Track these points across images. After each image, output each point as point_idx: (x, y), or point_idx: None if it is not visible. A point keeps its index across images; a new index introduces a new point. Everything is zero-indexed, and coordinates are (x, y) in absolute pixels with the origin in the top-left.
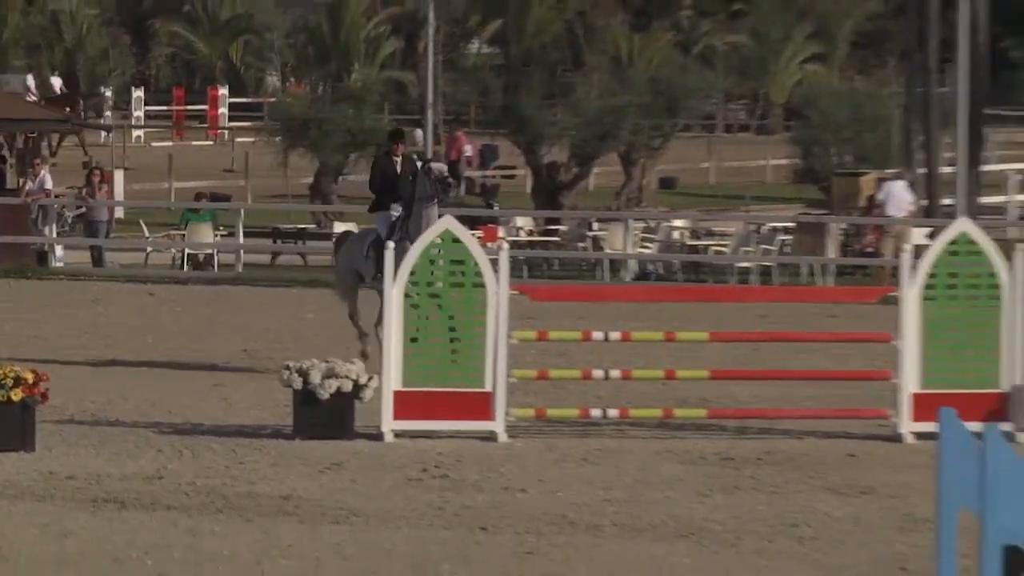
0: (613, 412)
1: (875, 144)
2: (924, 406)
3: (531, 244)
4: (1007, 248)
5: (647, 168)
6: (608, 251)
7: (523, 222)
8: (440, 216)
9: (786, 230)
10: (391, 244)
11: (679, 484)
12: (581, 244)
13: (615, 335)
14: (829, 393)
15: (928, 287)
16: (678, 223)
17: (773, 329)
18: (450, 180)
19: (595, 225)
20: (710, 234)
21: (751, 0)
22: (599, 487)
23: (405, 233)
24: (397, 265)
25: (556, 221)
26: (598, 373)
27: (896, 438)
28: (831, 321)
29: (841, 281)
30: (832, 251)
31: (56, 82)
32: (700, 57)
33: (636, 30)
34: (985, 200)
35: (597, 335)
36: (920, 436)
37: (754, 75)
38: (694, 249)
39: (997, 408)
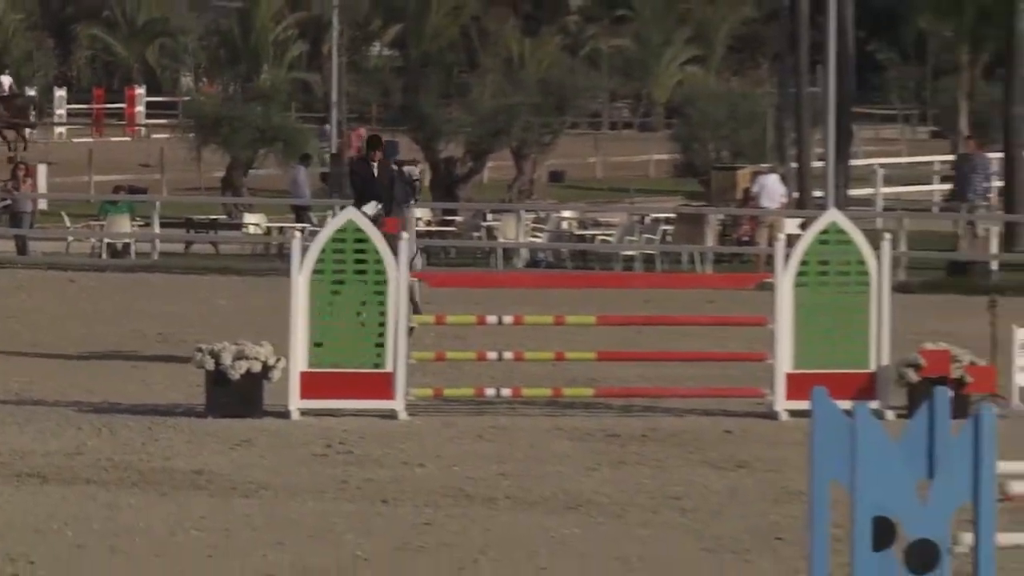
0: (506, 391)
1: (750, 140)
2: (797, 385)
3: (429, 234)
4: (874, 237)
5: (537, 163)
6: (501, 240)
7: (422, 213)
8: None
9: (668, 221)
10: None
11: (568, 459)
12: (476, 234)
13: (508, 319)
14: (709, 374)
15: (801, 274)
16: (567, 214)
17: (656, 313)
18: (418, 182)
19: (489, 216)
20: (597, 224)
21: (634, 6)
22: (493, 462)
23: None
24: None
25: (453, 212)
26: (492, 355)
27: (771, 415)
28: (710, 306)
29: (719, 268)
30: (711, 240)
31: (6, 80)
32: (587, 59)
33: (527, 34)
34: (853, 192)
35: (491, 319)
36: (794, 414)
37: (637, 76)
38: (582, 238)
39: (866, 387)
